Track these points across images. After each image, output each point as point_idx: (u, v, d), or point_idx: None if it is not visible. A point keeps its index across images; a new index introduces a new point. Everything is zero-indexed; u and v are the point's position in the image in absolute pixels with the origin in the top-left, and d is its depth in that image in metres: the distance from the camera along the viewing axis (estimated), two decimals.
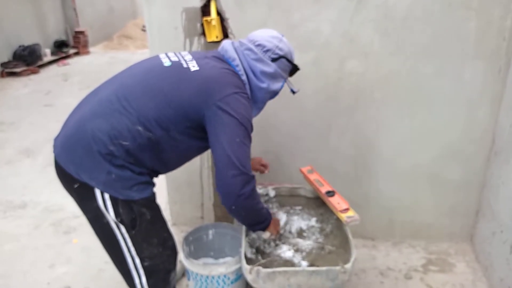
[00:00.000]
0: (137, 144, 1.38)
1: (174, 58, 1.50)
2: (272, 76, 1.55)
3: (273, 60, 1.54)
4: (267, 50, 1.53)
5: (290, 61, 1.59)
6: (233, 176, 1.38)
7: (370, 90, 2.15)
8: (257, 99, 1.59)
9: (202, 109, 1.40)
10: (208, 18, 2.05)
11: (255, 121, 2.24)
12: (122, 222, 1.44)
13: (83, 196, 1.45)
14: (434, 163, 2.27)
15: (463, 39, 2.00)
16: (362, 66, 2.10)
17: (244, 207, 1.46)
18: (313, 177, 1.98)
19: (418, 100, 2.14)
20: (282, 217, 1.90)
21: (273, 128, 2.29)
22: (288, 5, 2.03)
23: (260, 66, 1.53)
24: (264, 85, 1.55)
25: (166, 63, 1.48)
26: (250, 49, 1.54)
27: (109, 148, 1.36)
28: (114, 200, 1.40)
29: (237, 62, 1.53)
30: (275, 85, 1.58)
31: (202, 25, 2.12)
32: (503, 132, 2.07)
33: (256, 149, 2.13)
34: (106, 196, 1.39)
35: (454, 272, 2.24)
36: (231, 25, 2.09)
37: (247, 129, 1.44)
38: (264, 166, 2.06)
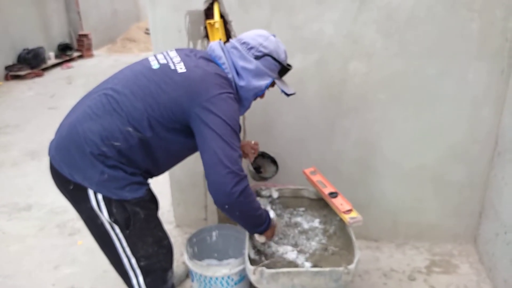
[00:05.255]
0: (129, 145, 1.41)
1: (163, 61, 1.52)
2: (255, 74, 1.56)
3: (257, 57, 1.55)
4: (251, 48, 1.55)
5: (277, 60, 1.58)
6: (223, 175, 1.37)
7: (373, 91, 2.16)
8: (241, 97, 1.60)
9: (189, 109, 1.42)
10: (212, 21, 2.06)
11: (259, 122, 2.26)
12: (116, 222, 1.45)
13: (77, 197, 1.47)
14: (438, 164, 2.27)
15: (467, 40, 2.00)
16: (366, 67, 2.11)
17: (238, 206, 1.43)
18: (316, 178, 1.98)
19: (422, 101, 2.15)
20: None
21: (277, 129, 2.30)
22: (291, 6, 2.04)
23: (241, 63, 1.55)
24: (243, 83, 1.56)
25: (155, 66, 1.51)
26: (235, 47, 1.58)
27: (101, 149, 1.38)
28: (107, 200, 1.42)
29: (223, 60, 1.56)
30: (258, 83, 1.56)
31: (205, 28, 2.13)
32: (507, 132, 2.07)
33: (260, 150, 2.13)
34: (100, 196, 1.41)
35: (458, 274, 2.24)
36: (235, 27, 2.11)
37: (234, 129, 1.44)
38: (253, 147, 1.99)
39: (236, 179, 1.39)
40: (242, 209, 1.46)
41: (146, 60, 1.57)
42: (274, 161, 2.05)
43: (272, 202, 2.04)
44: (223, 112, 1.42)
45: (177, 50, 1.59)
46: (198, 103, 1.42)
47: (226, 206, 1.42)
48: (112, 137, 1.39)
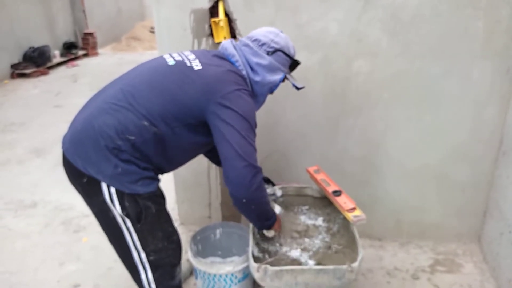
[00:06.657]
0: (143, 139, 1.43)
1: (178, 58, 1.56)
2: (269, 69, 1.59)
3: (269, 53, 1.59)
4: (263, 44, 1.59)
5: (288, 55, 1.63)
6: (242, 168, 1.43)
7: (377, 90, 2.15)
8: (256, 92, 1.63)
9: (205, 107, 1.45)
10: (216, 19, 2.07)
11: (263, 120, 2.27)
12: (127, 215, 1.47)
13: (90, 190, 1.49)
14: (442, 163, 2.26)
15: (471, 39, 2.00)
16: (370, 66, 2.11)
17: (255, 199, 1.50)
18: (320, 177, 1.98)
19: (426, 100, 2.14)
20: (277, 210, 1.91)
21: (281, 127, 2.31)
22: (295, 5, 2.04)
23: (255, 59, 1.59)
24: (258, 78, 1.59)
25: (170, 62, 1.54)
26: (247, 45, 1.61)
27: (116, 142, 1.40)
28: (120, 194, 1.44)
29: (237, 58, 1.59)
30: (272, 77, 1.60)
31: (210, 26, 2.13)
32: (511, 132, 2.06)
33: (264, 148, 2.16)
34: (112, 190, 1.43)
35: (462, 273, 2.24)
36: (239, 26, 2.11)
37: (251, 124, 1.48)
38: None
39: (254, 171, 1.45)
40: (256, 202, 1.53)
41: (161, 57, 1.59)
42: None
43: (276, 200, 2.05)
44: (240, 107, 1.45)
45: (191, 51, 1.63)
46: (214, 100, 1.44)
47: (244, 200, 1.48)
48: (127, 131, 1.41)
